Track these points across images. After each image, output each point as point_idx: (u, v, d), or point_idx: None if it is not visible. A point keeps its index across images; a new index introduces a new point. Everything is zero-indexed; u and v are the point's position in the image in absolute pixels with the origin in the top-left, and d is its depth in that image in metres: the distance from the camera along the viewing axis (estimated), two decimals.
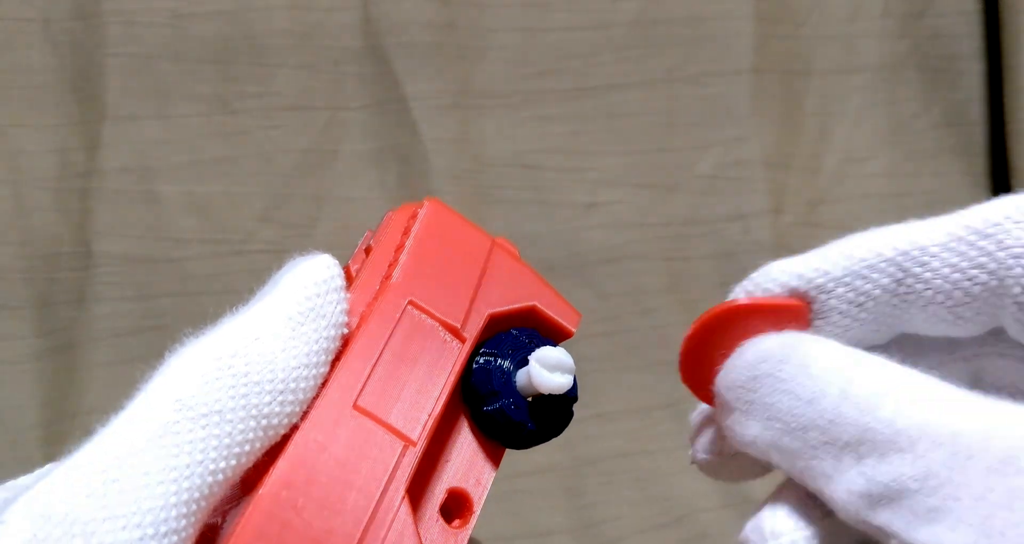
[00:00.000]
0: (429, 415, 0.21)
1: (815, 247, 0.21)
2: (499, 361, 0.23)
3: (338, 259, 0.22)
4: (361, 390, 0.21)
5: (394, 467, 0.20)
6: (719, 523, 0.57)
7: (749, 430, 0.20)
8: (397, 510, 0.20)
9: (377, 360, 0.21)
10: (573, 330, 0.25)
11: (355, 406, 0.20)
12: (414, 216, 0.24)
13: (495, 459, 0.23)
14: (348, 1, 0.53)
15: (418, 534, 0.20)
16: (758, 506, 0.21)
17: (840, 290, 0.20)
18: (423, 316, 0.22)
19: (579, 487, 0.57)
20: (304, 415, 0.20)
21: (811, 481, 0.19)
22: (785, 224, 0.59)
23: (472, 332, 0.23)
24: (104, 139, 0.51)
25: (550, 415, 0.23)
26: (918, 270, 0.20)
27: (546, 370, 0.22)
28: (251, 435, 0.19)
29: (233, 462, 0.19)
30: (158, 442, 0.18)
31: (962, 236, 0.20)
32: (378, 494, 0.20)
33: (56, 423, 0.52)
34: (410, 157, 0.55)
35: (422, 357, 0.22)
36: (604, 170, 0.57)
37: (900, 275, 0.20)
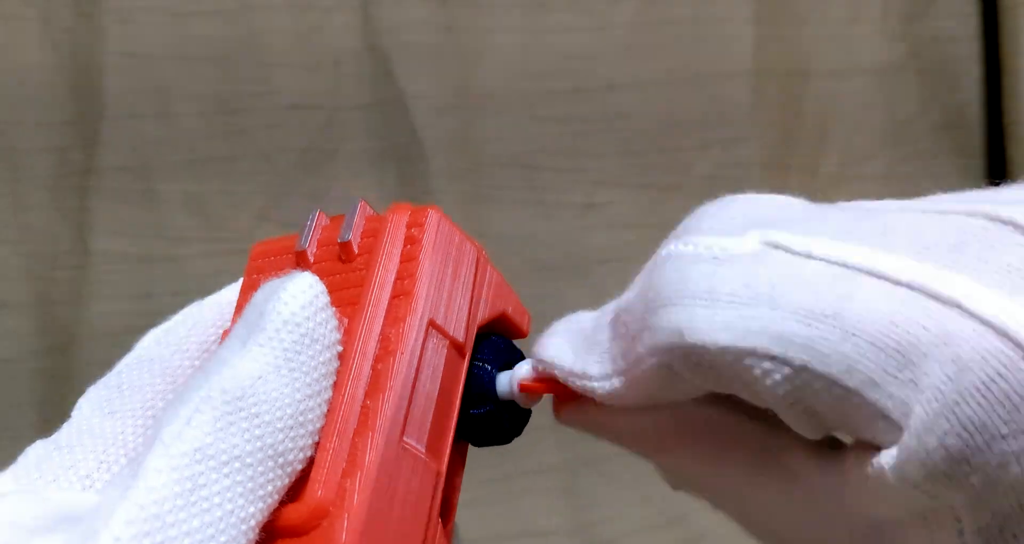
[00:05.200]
0: (448, 440, 0.22)
1: None
2: (488, 367, 0.24)
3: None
4: (404, 424, 0.21)
5: (432, 496, 0.21)
6: (717, 524, 0.57)
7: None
8: (436, 532, 0.21)
9: (412, 390, 0.21)
10: (527, 332, 0.25)
11: (402, 442, 0.20)
12: (418, 225, 0.23)
13: (463, 459, 0.24)
14: (348, 1, 0.53)
15: None
16: None
17: None
18: (439, 336, 0.22)
19: (577, 487, 0.57)
20: (350, 453, 0.20)
21: None
22: None
23: (469, 346, 0.23)
24: (103, 137, 0.51)
25: (517, 420, 0.24)
26: None
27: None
28: (271, 475, 0.19)
29: (261, 505, 0.18)
30: (189, 499, 0.17)
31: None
32: (426, 523, 0.20)
33: (54, 422, 0.52)
34: (409, 157, 0.55)
35: (439, 379, 0.22)
36: (603, 170, 0.57)
37: None
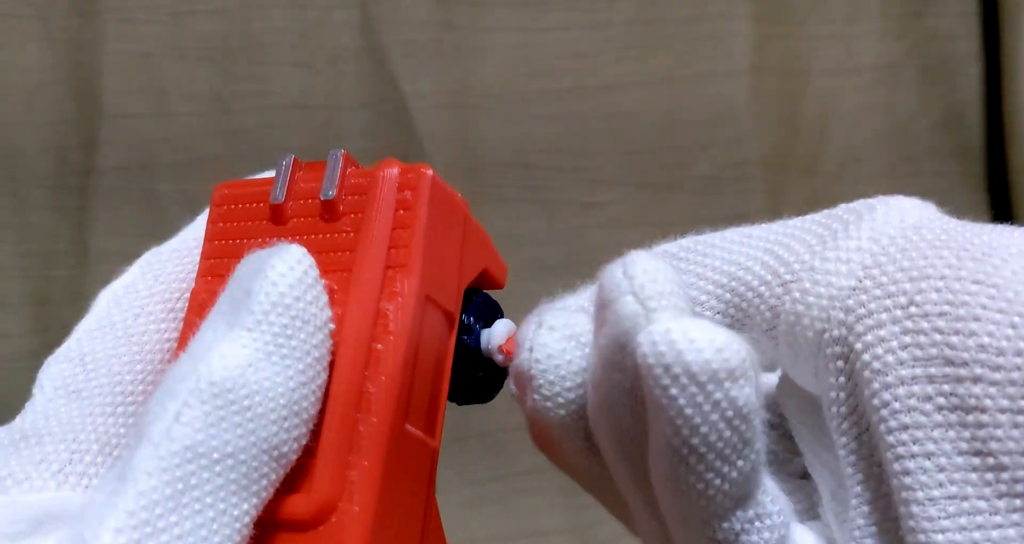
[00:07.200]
0: (440, 414, 0.21)
1: None
2: (473, 327, 0.23)
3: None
4: (407, 410, 0.20)
5: (430, 474, 0.20)
6: None
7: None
8: (434, 506, 0.21)
9: (413, 373, 0.20)
10: (504, 282, 0.24)
11: (405, 428, 0.20)
12: (411, 188, 0.21)
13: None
14: (346, 0, 0.53)
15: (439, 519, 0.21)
16: None
17: None
18: (435, 309, 0.21)
19: (576, 487, 0.57)
20: (352, 441, 0.19)
21: None
22: None
23: (457, 312, 0.22)
24: (102, 137, 0.51)
25: (497, 377, 0.23)
26: None
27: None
28: (266, 470, 0.18)
29: (255, 501, 0.18)
30: (180, 501, 0.17)
31: None
32: (425, 500, 0.20)
33: None
34: (408, 156, 0.55)
35: (434, 353, 0.21)
36: (603, 170, 0.57)
37: None
